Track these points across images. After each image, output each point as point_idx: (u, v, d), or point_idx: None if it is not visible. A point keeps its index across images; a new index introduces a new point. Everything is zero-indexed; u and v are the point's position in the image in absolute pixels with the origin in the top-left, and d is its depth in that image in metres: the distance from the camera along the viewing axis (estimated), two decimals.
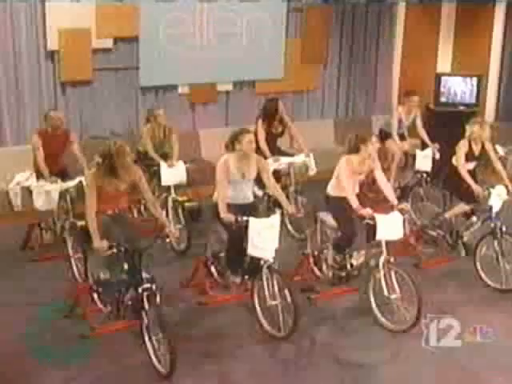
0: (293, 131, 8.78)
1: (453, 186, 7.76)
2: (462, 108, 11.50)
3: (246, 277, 6.38)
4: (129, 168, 5.96)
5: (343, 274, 6.79)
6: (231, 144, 6.36)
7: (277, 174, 8.10)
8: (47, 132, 7.73)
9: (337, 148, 10.63)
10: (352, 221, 6.62)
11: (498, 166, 7.57)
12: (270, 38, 10.74)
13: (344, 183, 6.57)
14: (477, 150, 7.53)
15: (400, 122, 9.42)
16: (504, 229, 7.07)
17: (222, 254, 6.65)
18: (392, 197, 6.69)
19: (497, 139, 8.46)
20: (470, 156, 7.50)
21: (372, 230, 6.28)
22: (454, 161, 7.55)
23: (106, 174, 5.88)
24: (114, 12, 9.45)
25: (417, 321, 6.03)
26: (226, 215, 6.13)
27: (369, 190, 8.81)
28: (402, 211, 6.46)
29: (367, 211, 6.34)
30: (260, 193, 7.83)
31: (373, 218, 6.27)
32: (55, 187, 7.39)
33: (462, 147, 7.46)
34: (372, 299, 6.38)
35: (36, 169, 7.69)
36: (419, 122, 9.48)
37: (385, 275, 6.18)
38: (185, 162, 8.18)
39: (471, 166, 7.61)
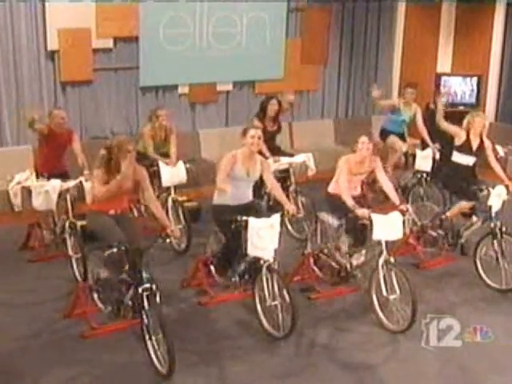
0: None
1: (453, 186, 7.77)
2: (462, 108, 11.50)
3: (246, 277, 6.38)
4: (131, 165, 5.97)
5: (343, 274, 6.80)
6: (242, 139, 6.38)
7: (277, 174, 8.11)
8: (51, 129, 7.69)
9: (337, 148, 10.66)
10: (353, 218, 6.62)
11: (495, 166, 7.55)
12: (270, 38, 10.74)
13: (340, 182, 6.59)
14: (475, 143, 7.52)
15: (395, 110, 9.37)
16: (504, 229, 7.06)
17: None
18: (394, 197, 6.68)
19: (497, 139, 8.47)
20: (467, 147, 7.50)
21: (369, 230, 6.29)
22: (453, 158, 7.54)
23: (109, 169, 5.89)
24: (114, 12, 9.46)
25: (412, 321, 6.03)
26: (224, 185, 6.11)
27: (369, 190, 8.86)
28: (402, 212, 6.45)
29: (363, 211, 6.35)
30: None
31: (369, 218, 6.27)
32: (54, 186, 7.37)
33: (461, 131, 7.51)
34: (374, 299, 6.38)
35: (36, 168, 7.69)
36: (420, 120, 9.46)
37: (384, 275, 6.18)
38: (185, 162, 8.18)
39: (470, 162, 7.61)
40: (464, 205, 7.63)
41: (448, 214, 7.76)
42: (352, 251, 6.78)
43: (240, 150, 6.35)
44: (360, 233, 6.71)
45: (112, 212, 6.07)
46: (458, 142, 7.56)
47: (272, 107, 8.68)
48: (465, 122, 7.55)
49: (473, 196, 7.43)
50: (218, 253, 6.68)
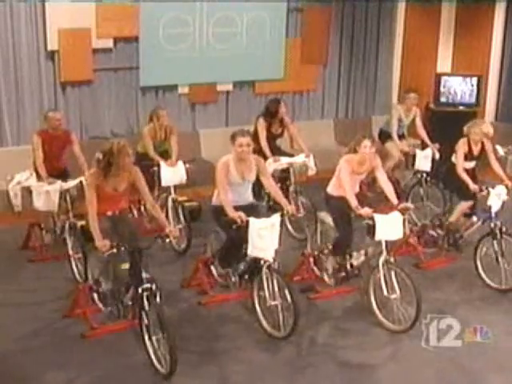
0: (292, 132, 8.78)
1: (452, 184, 7.78)
2: (461, 108, 11.51)
3: (246, 277, 6.38)
4: (128, 168, 5.95)
5: (343, 274, 6.80)
6: (231, 143, 6.35)
7: (277, 174, 8.11)
8: (47, 132, 7.72)
9: (337, 148, 10.65)
10: (350, 222, 6.63)
11: (496, 166, 7.57)
12: (270, 38, 10.74)
13: (344, 182, 6.56)
14: (476, 149, 7.54)
15: (400, 120, 9.43)
16: (504, 229, 7.07)
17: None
18: (393, 196, 6.67)
19: (497, 139, 8.46)
20: (469, 156, 7.51)
21: (371, 230, 6.27)
22: (453, 159, 7.56)
23: (105, 172, 5.86)
24: (114, 12, 9.45)
25: (416, 321, 6.03)
26: (235, 214, 6.06)
27: (369, 190, 8.86)
28: (403, 211, 6.44)
29: (366, 211, 6.33)
30: None
31: (372, 218, 6.27)
32: (55, 188, 7.37)
33: (462, 146, 7.47)
34: (372, 299, 6.38)
35: (36, 169, 7.68)
36: (419, 122, 9.49)
37: (384, 275, 6.18)
38: (185, 162, 8.18)
39: (471, 164, 7.63)
40: (464, 205, 7.63)
41: (451, 219, 7.74)
42: (352, 251, 6.79)
43: (231, 155, 6.30)
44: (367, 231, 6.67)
45: (109, 213, 6.06)
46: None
47: (282, 110, 8.67)
48: (465, 131, 7.52)
49: (472, 195, 7.43)
50: (218, 252, 6.67)
